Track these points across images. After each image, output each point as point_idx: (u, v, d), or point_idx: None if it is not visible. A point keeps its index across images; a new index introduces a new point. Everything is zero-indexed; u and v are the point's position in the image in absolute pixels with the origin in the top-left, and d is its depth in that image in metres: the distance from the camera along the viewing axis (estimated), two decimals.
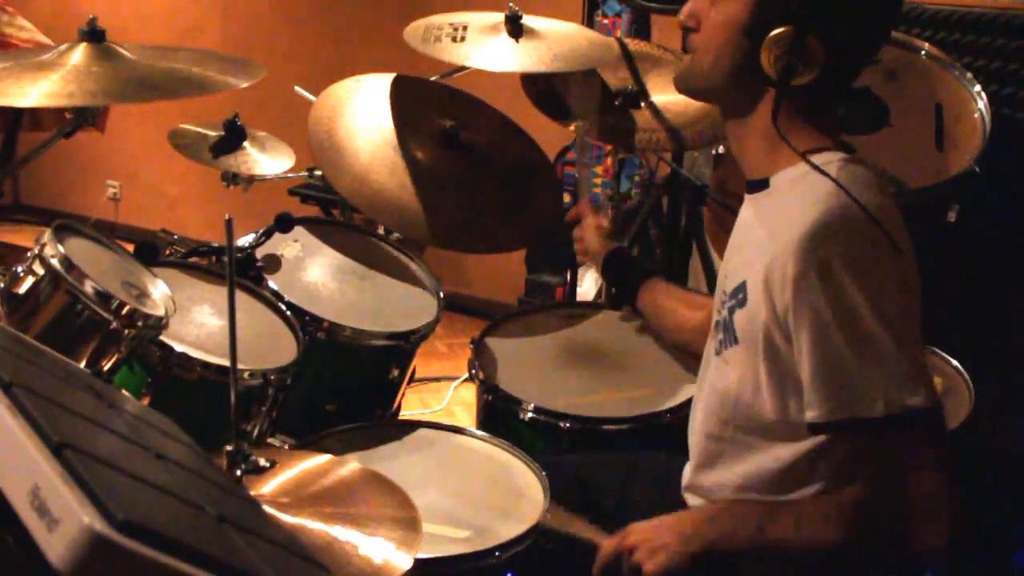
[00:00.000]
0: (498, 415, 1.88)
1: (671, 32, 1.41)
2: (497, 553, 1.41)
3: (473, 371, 1.96)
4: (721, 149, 2.54)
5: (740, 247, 1.40)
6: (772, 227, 1.28)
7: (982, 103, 2.23)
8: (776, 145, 1.30)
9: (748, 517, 1.28)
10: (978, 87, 2.25)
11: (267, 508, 1.14)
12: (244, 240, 1.99)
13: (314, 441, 1.68)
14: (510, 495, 1.58)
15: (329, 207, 3.45)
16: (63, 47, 1.78)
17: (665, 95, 2.38)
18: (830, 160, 1.27)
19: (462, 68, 2.47)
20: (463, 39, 2.21)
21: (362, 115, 2.19)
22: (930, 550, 1.19)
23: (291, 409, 1.83)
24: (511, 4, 2.24)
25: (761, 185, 1.35)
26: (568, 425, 1.79)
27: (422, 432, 1.76)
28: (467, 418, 3.26)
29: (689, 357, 1.97)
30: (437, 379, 3.56)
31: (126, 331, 1.45)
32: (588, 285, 3.44)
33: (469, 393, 3.44)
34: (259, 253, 1.99)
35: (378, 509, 1.25)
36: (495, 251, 2.72)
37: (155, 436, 0.96)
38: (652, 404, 1.86)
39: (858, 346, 1.17)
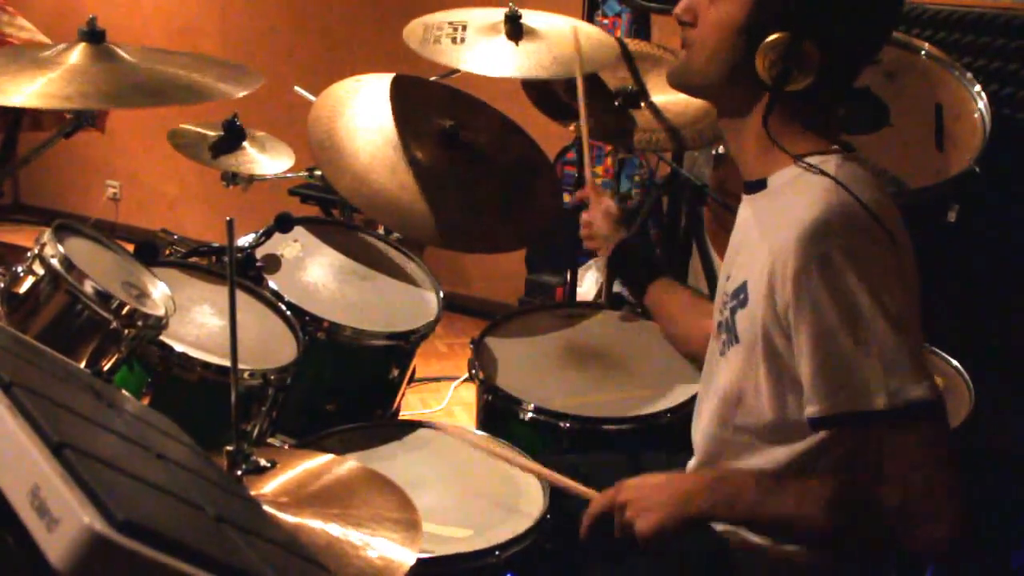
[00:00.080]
0: (498, 415, 1.88)
1: (671, 32, 1.41)
2: (497, 553, 1.41)
3: (473, 371, 1.96)
4: (721, 149, 2.54)
5: (740, 248, 1.40)
6: (771, 227, 1.27)
7: (982, 103, 2.23)
8: (772, 146, 1.30)
9: (748, 487, 1.26)
10: (978, 87, 2.25)
11: (267, 508, 1.14)
12: (244, 240, 1.99)
13: (314, 441, 1.68)
14: (510, 495, 1.58)
15: (329, 207, 3.45)
16: (61, 46, 1.78)
17: (665, 95, 2.38)
18: (827, 160, 1.27)
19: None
20: (463, 40, 2.21)
21: (362, 115, 2.19)
22: (931, 550, 1.18)
23: (291, 409, 1.83)
24: (511, 4, 2.24)
25: (759, 186, 1.35)
26: (568, 425, 1.79)
27: (422, 432, 1.76)
28: (467, 418, 3.26)
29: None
30: (437, 379, 3.56)
31: (126, 331, 1.45)
32: (588, 285, 3.44)
33: (469, 393, 3.44)
34: (259, 253, 1.99)
35: (378, 509, 1.25)
36: (495, 251, 2.72)
37: (155, 436, 0.96)
38: (652, 404, 1.86)
39: (859, 338, 1.17)
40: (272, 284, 1.94)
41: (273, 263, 1.98)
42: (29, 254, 1.45)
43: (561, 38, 2.27)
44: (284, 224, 2.01)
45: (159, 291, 1.58)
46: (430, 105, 2.29)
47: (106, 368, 1.46)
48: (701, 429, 1.46)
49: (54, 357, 1.07)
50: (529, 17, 2.26)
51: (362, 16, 4.25)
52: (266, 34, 4.44)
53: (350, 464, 1.35)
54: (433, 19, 2.28)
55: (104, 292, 1.42)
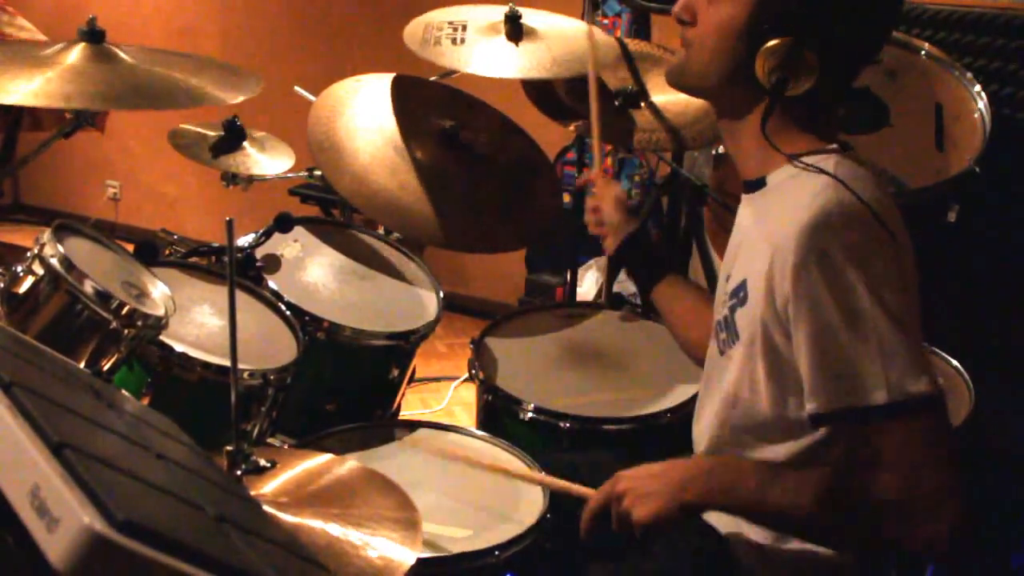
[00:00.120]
0: (498, 415, 1.88)
1: (671, 32, 1.41)
2: (497, 553, 1.41)
3: (473, 371, 1.96)
4: (721, 149, 2.54)
5: (739, 247, 1.40)
6: (771, 225, 1.27)
7: (982, 103, 2.23)
8: (770, 146, 1.29)
9: (747, 475, 1.25)
10: (978, 87, 2.25)
11: (267, 508, 1.14)
12: (244, 240, 1.99)
13: (314, 441, 1.68)
14: (510, 495, 1.58)
15: (329, 207, 3.45)
16: (60, 45, 1.78)
17: (665, 95, 2.37)
18: (825, 158, 1.27)
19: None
20: (463, 41, 2.21)
21: (362, 115, 2.19)
22: (930, 549, 1.16)
23: (291, 409, 1.83)
24: (511, 3, 2.24)
25: (758, 185, 1.35)
26: (568, 425, 1.79)
27: (422, 432, 1.76)
28: (467, 418, 3.26)
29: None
30: (437, 379, 3.56)
31: (126, 331, 1.45)
32: (588, 285, 3.44)
33: (469, 393, 3.44)
34: (259, 253, 1.99)
35: (378, 509, 1.25)
36: (495, 251, 2.72)
37: (155, 436, 0.96)
38: (652, 404, 1.86)
39: (859, 332, 1.16)
40: (272, 284, 1.94)
41: (273, 263, 1.98)
42: (29, 254, 1.45)
43: (561, 38, 2.27)
44: (284, 224, 2.01)
45: (159, 291, 1.58)
46: (430, 105, 2.29)
47: (106, 368, 1.46)
48: (701, 429, 1.46)
49: (54, 357, 1.07)
50: (529, 17, 2.26)
51: (362, 16, 4.25)
52: (266, 34, 4.44)
53: (350, 464, 1.35)
54: (433, 19, 2.28)
55: (104, 292, 1.42)
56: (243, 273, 1.93)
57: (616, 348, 2.10)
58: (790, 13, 1.23)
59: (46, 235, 1.45)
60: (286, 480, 1.24)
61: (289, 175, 2.62)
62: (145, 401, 1.60)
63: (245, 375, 1.66)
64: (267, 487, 1.20)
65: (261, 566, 0.71)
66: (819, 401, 1.20)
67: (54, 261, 1.41)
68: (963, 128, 2.21)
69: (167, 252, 2.17)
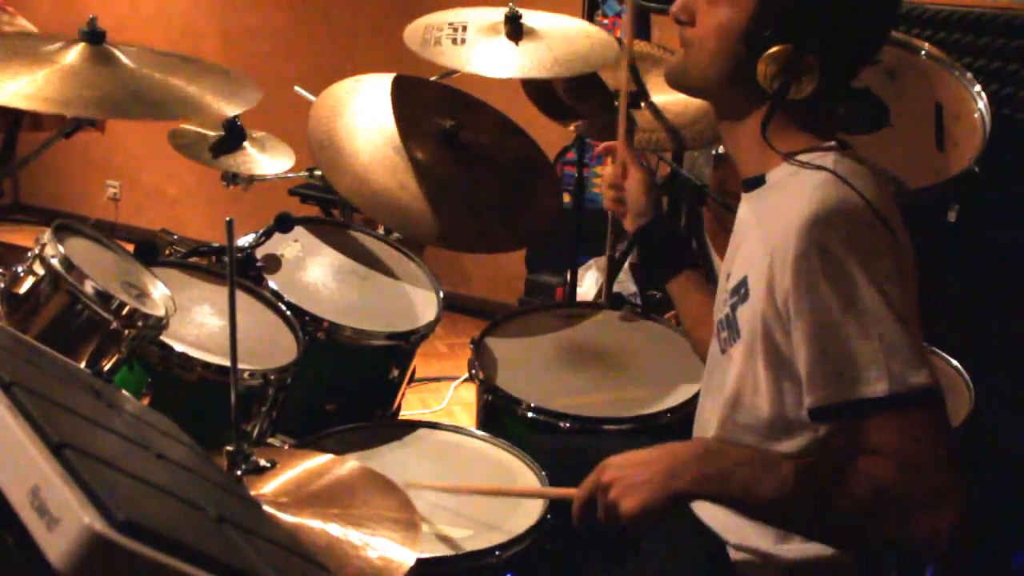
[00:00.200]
0: (498, 415, 1.88)
1: (671, 32, 1.40)
2: (497, 553, 1.41)
3: (473, 371, 1.96)
4: (721, 149, 2.54)
5: (739, 245, 1.40)
6: (771, 222, 1.27)
7: (982, 103, 2.23)
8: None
9: (740, 464, 1.19)
10: (978, 87, 2.25)
11: (267, 508, 1.14)
12: (244, 240, 1.99)
13: (314, 441, 1.68)
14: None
15: (329, 207, 3.45)
16: (59, 43, 1.77)
17: (665, 95, 2.37)
18: (824, 156, 1.27)
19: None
20: (463, 41, 2.21)
21: (362, 115, 2.19)
22: (931, 545, 1.14)
23: (291, 409, 1.83)
24: (511, 4, 2.24)
25: (757, 182, 1.35)
26: (568, 425, 1.79)
27: (422, 432, 1.76)
28: (467, 418, 3.26)
29: (689, 357, 1.97)
30: (437, 379, 3.56)
31: (126, 331, 1.45)
32: (588, 285, 3.44)
33: (469, 393, 3.44)
34: (259, 253, 1.99)
35: (378, 509, 1.24)
36: (495, 251, 2.72)
37: (155, 436, 0.96)
38: (652, 404, 1.86)
39: (860, 324, 1.15)
40: (272, 284, 1.94)
41: (273, 263, 1.98)
42: (29, 254, 1.45)
43: (561, 37, 2.27)
44: (284, 224, 2.01)
45: (159, 291, 1.58)
46: (430, 105, 2.29)
47: (106, 368, 1.46)
48: (702, 428, 1.46)
49: (54, 357, 1.07)
50: (529, 17, 2.26)
51: (362, 16, 4.25)
52: (266, 34, 4.44)
53: (350, 464, 1.35)
54: (433, 20, 2.28)
55: (104, 292, 1.42)
56: (243, 273, 1.93)
57: (616, 348, 2.10)
58: (790, 15, 1.23)
59: (46, 235, 1.45)
60: (286, 480, 1.24)
61: (289, 175, 2.62)
62: (145, 401, 1.60)
63: (245, 375, 1.66)
64: (267, 487, 1.20)
65: (261, 566, 0.71)
66: (819, 395, 1.19)
67: (54, 261, 1.41)
68: (963, 128, 2.21)
69: (167, 252, 2.17)
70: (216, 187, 2.60)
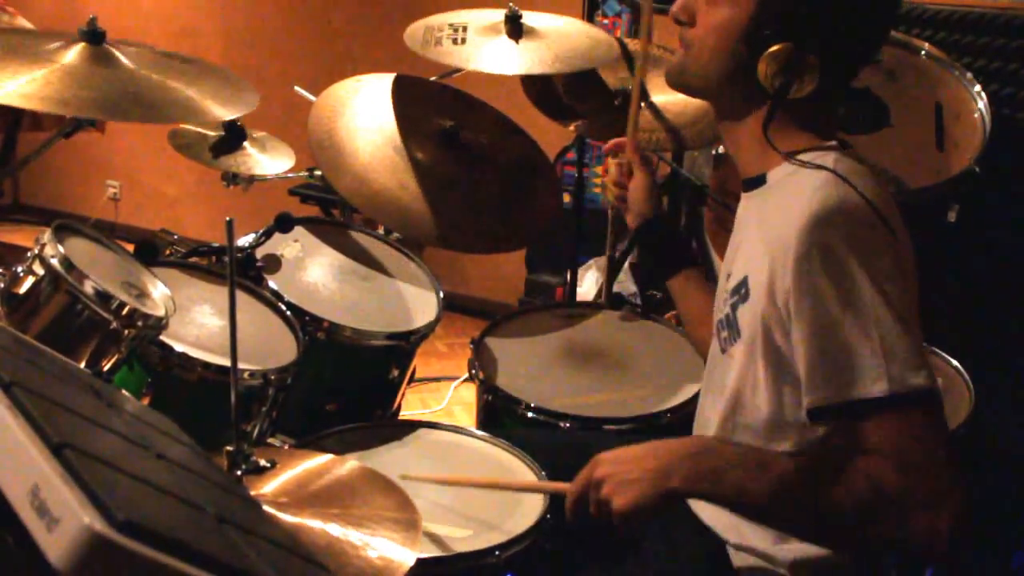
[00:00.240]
0: (498, 415, 1.88)
1: (671, 32, 1.40)
2: (497, 553, 1.41)
3: (473, 371, 1.96)
4: (721, 149, 2.54)
5: (740, 245, 1.40)
6: (772, 222, 1.27)
7: (982, 103, 2.23)
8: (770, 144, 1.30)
9: (735, 463, 1.18)
10: (978, 87, 2.25)
11: (267, 508, 1.14)
12: (244, 240, 1.99)
13: (314, 441, 1.68)
14: (510, 495, 1.57)
15: (329, 207, 3.45)
16: (59, 42, 1.76)
17: (665, 95, 2.38)
18: (825, 155, 1.27)
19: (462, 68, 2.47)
20: (463, 41, 2.21)
21: (362, 115, 2.19)
22: (930, 545, 1.13)
23: (291, 409, 1.83)
24: (511, 4, 2.24)
25: (758, 182, 1.35)
26: (568, 425, 1.79)
27: (422, 432, 1.76)
28: (467, 418, 3.26)
29: (689, 357, 1.97)
30: (437, 379, 3.56)
31: (126, 331, 1.45)
32: (588, 285, 3.44)
33: (469, 393, 3.44)
34: (259, 253, 1.99)
35: (378, 509, 1.24)
36: (495, 251, 2.72)
37: (155, 436, 0.96)
38: (652, 404, 1.86)
39: (860, 324, 1.15)
40: (272, 284, 1.94)
41: (273, 263, 1.98)
42: (29, 254, 1.45)
43: (562, 36, 2.27)
44: (284, 224, 2.01)
45: (159, 291, 1.58)
46: (430, 105, 2.29)
47: (106, 368, 1.46)
48: (702, 428, 1.46)
49: (54, 357, 1.07)
50: (529, 18, 2.26)
51: (363, 16, 4.25)
52: (267, 34, 4.44)
53: (350, 464, 1.35)
54: (433, 21, 2.28)
55: (104, 292, 1.42)
56: (243, 273, 1.93)
57: (616, 348, 2.10)
58: (791, 14, 1.23)
59: (46, 235, 1.45)
60: (286, 480, 1.24)
61: (289, 175, 2.62)
62: (145, 401, 1.60)
63: (245, 375, 1.66)
64: (267, 487, 1.20)
65: (261, 566, 0.71)
66: (818, 395, 1.18)
67: (54, 261, 1.41)
68: (963, 128, 2.21)
69: (167, 252, 2.17)
70: (216, 187, 2.60)
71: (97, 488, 0.60)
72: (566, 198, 3.24)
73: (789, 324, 1.21)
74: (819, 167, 1.24)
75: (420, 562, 1.17)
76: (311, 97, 2.32)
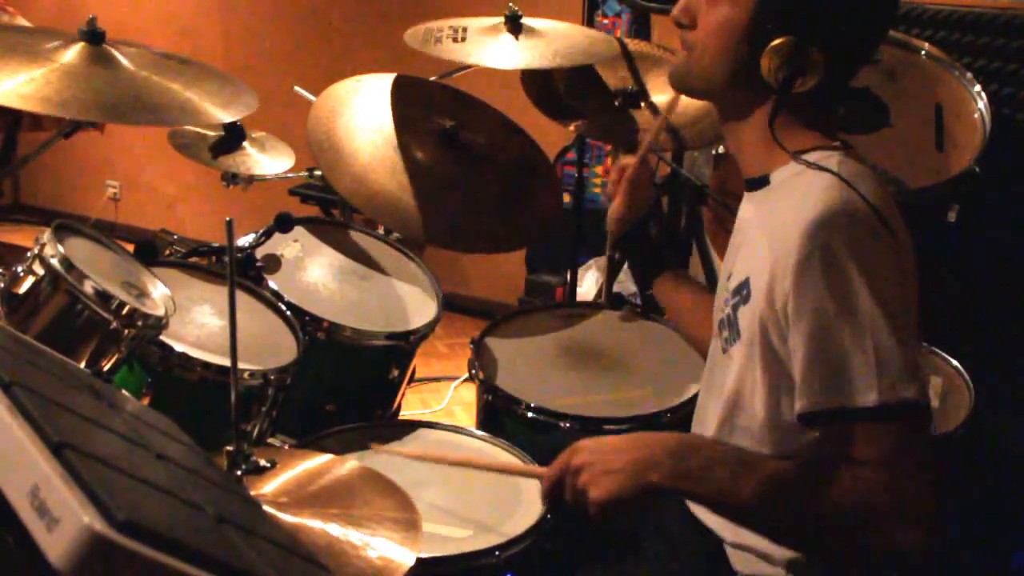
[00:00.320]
0: (498, 415, 1.88)
1: (671, 32, 1.40)
2: (497, 553, 1.41)
3: (473, 371, 1.96)
4: (721, 149, 2.54)
5: (741, 245, 1.40)
6: (774, 223, 1.27)
7: (982, 103, 2.23)
8: (774, 144, 1.29)
9: (721, 462, 1.19)
10: (978, 87, 2.25)
11: (267, 508, 1.14)
12: (244, 240, 1.99)
13: (314, 441, 1.68)
14: (510, 495, 1.57)
15: (329, 207, 3.45)
16: (59, 42, 1.76)
17: (665, 95, 2.37)
18: (828, 156, 1.27)
19: (462, 68, 2.47)
20: (463, 39, 2.21)
21: (362, 115, 2.19)
22: (904, 559, 1.15)
23: (291, 409, 1.83)
24: (511, 4, 2.24)
25: (761, 183, 1.35)
26: (568, 425, 1.79)
27: (422, 432, 1.76)
28: (467, 418, 3.26)
29: (689, 357, 1.97)
30: (437, 379, 3.56)
31: (126, 331, 1.45)
32: (588, 285, 3.44)
33: (469, 393, 3.44)
34: (259, 253, 1.99)
35: (378, 509, 1.24)
36: (495, 251, 2.72)
37: (155, 436, 0.96)
38: (652, 404, 1.86)
39: (855, 331, 1.16)
40: (272, 284, 1.94)
41: (273, 263, 1.98)
42: (29, 254, 1.45)
43: (561, 34, 2.27)
44: (284, 224, 2.01)
45: (159, 291, 1.58)
46: (430, 105, 2.29)
47: (106, 368, 1.46)
48: (702, 429, 1.46)
49: (54, 357, 1.07)
50: (529, 20, 2.27)
51: (363, 16, 4.25)
52: (266, 34, 4.44)
53: (350, 464, 1.35)
54: (434, 24, 2.29)
55: (104, 292, 1.42)
56: (243, 273, 1.93)
57: (616, 348, 2.10)
58: (790, 12, 1.23)
59: (46, 235, 1.45)
60: (286, 480, 1.24)
61: (289, 175, 2.62)
62: (145, 401, 1.60)
63: (245, 375, 1.66)
64: (267, 487, 1.20)
65: (261, 566, 0.71)
66: (810, 400, 1.19)
67: (54, 261, 1.41)
68: (963, 128, 2.21)
69: (167, 252, 2.17)
70: (216, 187, 2.60)
71: (97, 488, 0.60)
72: (566, 198, 3.24)
73: (787, 327, 1.21)
74: (824, 169, 1.24)
75: (420, 562, 1.17)
76: (311, 97, 2.32)
